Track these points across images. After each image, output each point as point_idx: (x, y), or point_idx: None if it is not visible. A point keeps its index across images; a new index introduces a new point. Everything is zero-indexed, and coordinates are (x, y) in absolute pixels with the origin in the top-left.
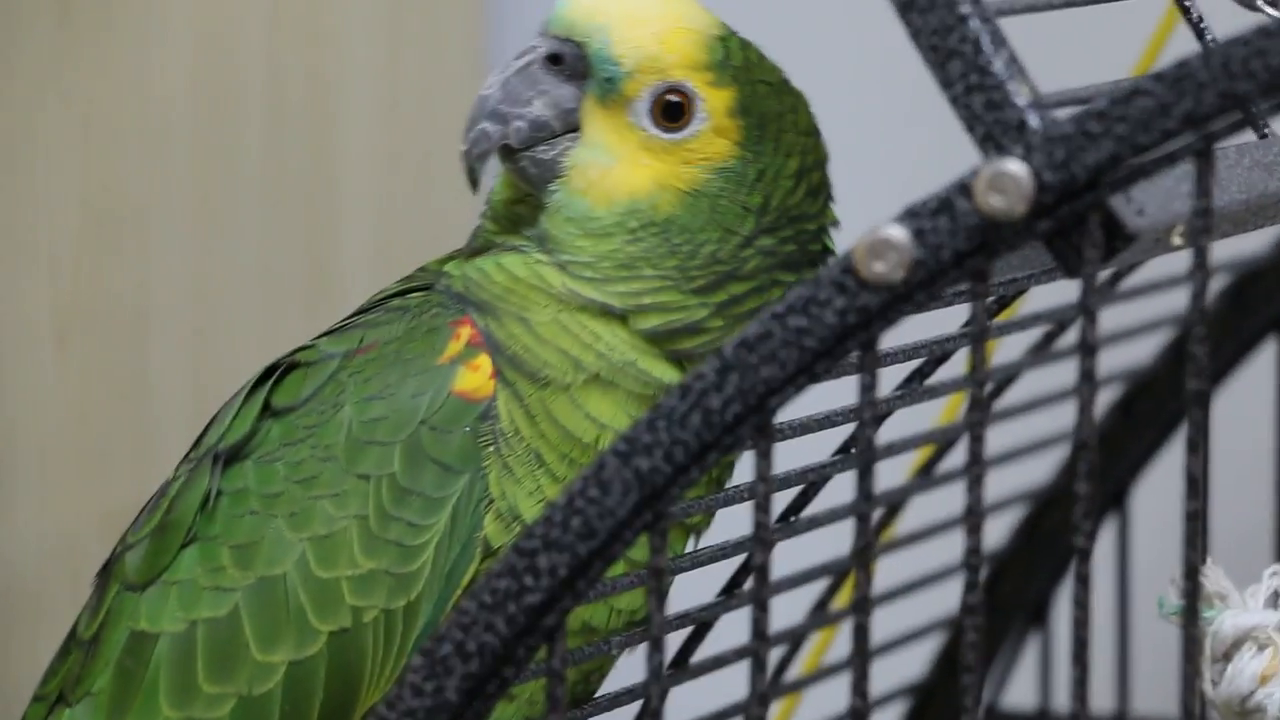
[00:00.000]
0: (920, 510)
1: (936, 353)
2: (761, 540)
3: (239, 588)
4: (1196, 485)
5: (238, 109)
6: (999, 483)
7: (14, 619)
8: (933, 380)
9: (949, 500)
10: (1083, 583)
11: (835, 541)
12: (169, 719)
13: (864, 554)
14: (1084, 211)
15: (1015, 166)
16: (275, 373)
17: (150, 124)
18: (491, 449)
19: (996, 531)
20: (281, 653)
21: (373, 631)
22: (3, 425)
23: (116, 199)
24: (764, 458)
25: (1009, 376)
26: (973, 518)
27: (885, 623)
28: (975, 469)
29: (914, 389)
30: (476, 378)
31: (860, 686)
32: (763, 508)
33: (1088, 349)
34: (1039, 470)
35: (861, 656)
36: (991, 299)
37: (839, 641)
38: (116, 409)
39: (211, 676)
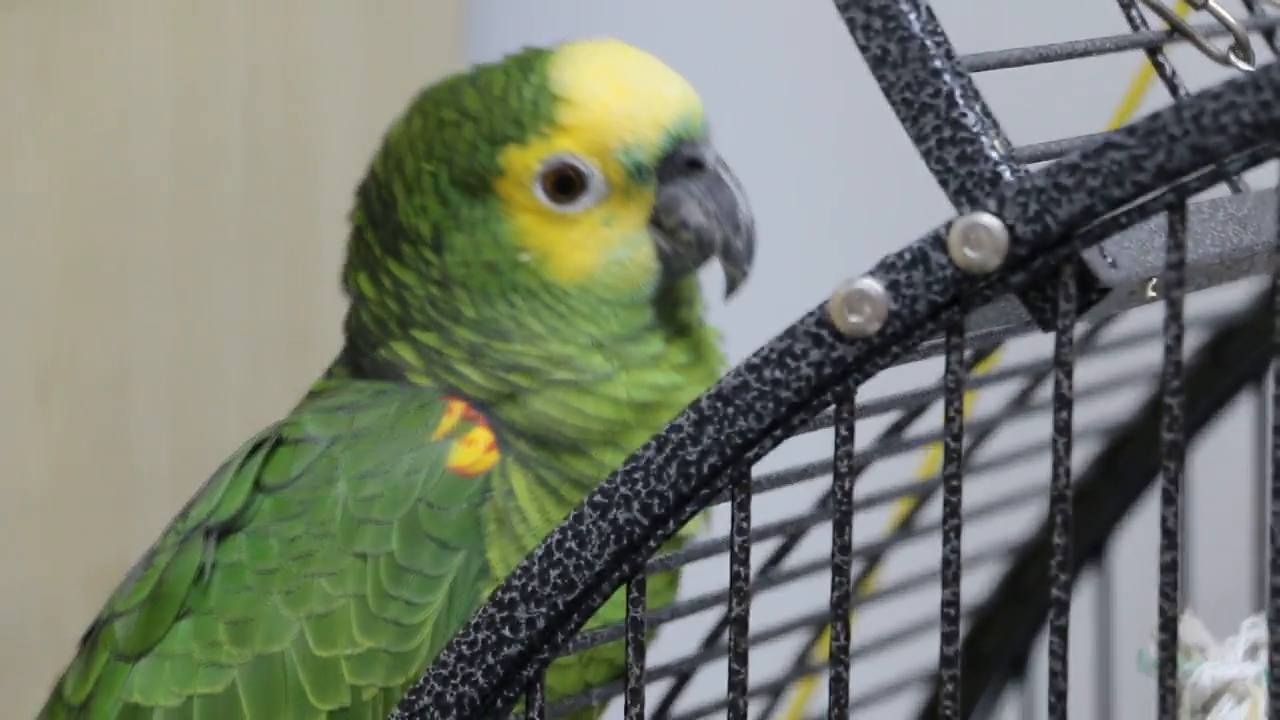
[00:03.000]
0: (905, 560)
1: (914, 405)
2: (740, 592)
3: (236, 664)
4: (1173, 536)
5: (217, 166)
6: (982, 534)
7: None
8: (911, 432)
9: (933, 551)
10: (1060, 635)
11: (818, 591)
12: None
13: (841, 606)
14: (1058, 264)
15: (989, 220)
16: (262, 446)
17: (130, 181)
18: (494, 525)
19: (979, 584)
20: None
21: (372, 710)
22: None
23: (97, 256)
24: (741, 510)
25: (986, 430)
26: (950, 568)
27: (867, 674)
28: (952, 521)
29: (892, 441)
30: (472, 452)
31: None
32: (741, 560)
33: (1063, 401)
34: (1022, 523)
35: (840, 709)
36: (969, 351)
37: (820, 692)
38: (98, 466)
39: None
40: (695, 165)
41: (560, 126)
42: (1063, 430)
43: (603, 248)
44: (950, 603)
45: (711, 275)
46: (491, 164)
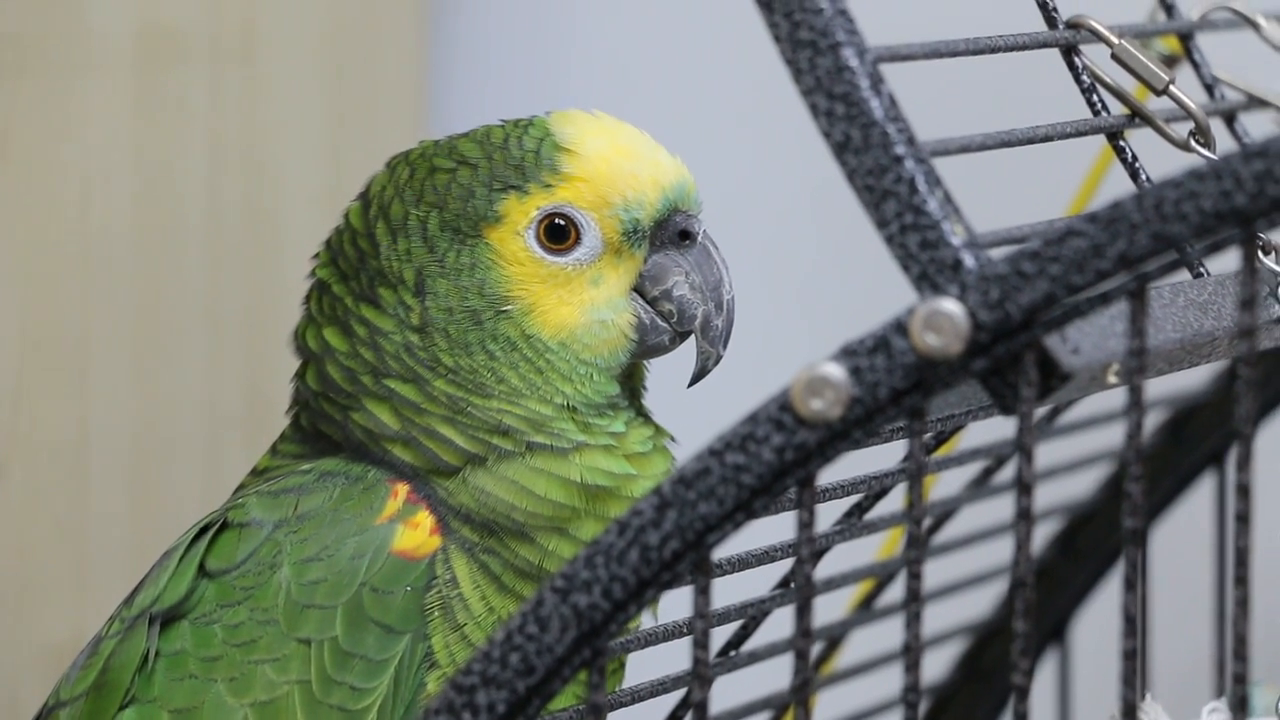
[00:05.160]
0: (863, 642)
1: (875, 488)
2: (700, 676)
3: None
4: (1133, 623)
5: (178, 243)
6: (941, 615)
7: None
8: (871, 515)
9: (891, 632)
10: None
11: (776, 674)
12: None
13: (802, 690)
14: (1019, 350)
15: (951, 306)
16: (207, 531)
17: (91, 258)
18: (438, 612)
19: (939, 663)
20: None
21: None
22: None
23: (57, 332)
24: (702, 594)
25: (947, 512)
26: (911, 654)
27: None
28: (913, 606)
29: (852, 524)
30: (416, 535)
31: None
32: (701, 644)
33: (1024, 487)
34: (981, 603)
35: None
36: (930, 434)
37: None
38: (56, 542)
39: None
40: (686, 236)
41: (563, 176)
42: (1024, 515)
43: (588, 306)
44: (911, 688)
45: (666, 366)
46: (488, 210)
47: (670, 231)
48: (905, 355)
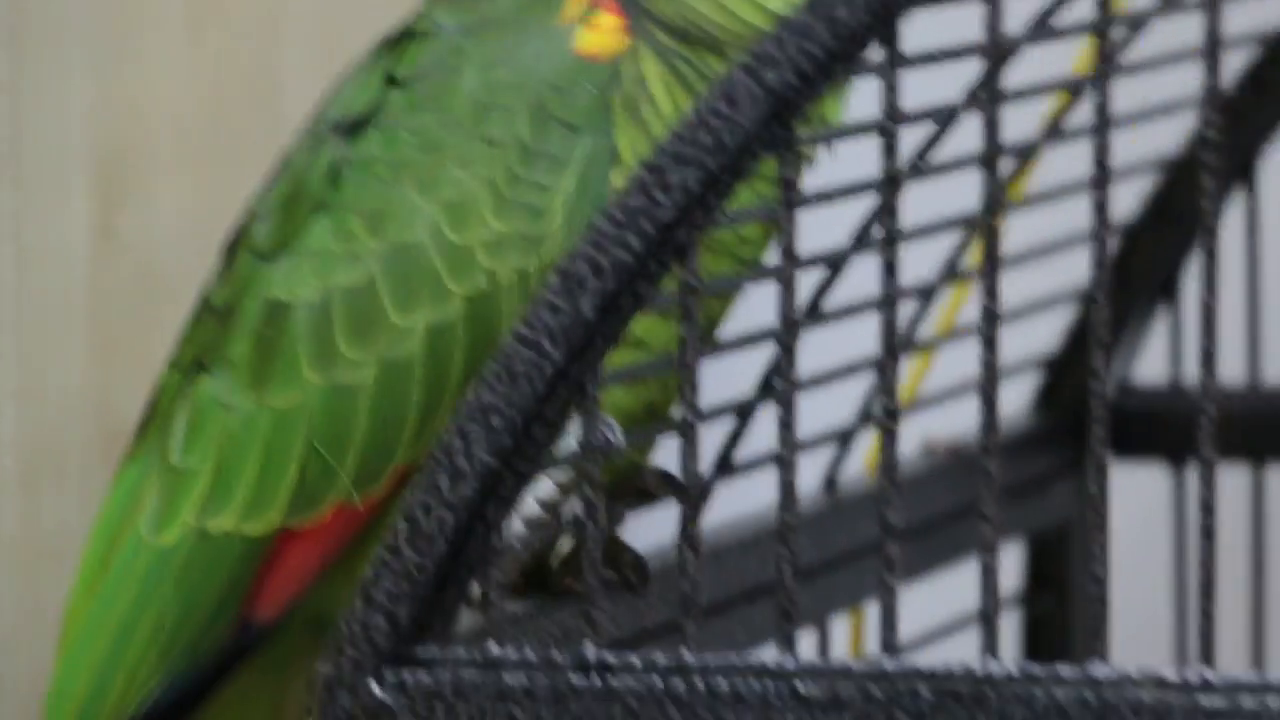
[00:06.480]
0: (1054, 168)
1: None
2: (890, 176)
3: (373, 255)
4: None
5: None
6: (1129, 148)
7: (156, 298)
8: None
9: (1083, 156)
10: (1210, 255)
11: (966, 191)
12: (310, 383)
13: (993, 203)
14: None
15: None
16: (393, 42)
17: None
18: (624, 110)
19: (1126, 202)
20: (419, 316)
21: (508, 293)
22: (138, 113)
23: None
24: (891, 71)
25: (1136, 24)
26: (1101, 175)
27: (1013, 293)
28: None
29: (1040, 31)
30: (598, 37)
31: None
32: (890, 134)
33: None
34: (1171, 135)
35: (990, 323)
36: None
37: (968, 311)
38: (249, 106)
39: (351, 341)
40: None
41: None
42: None
43: None
44: (1100, 207)
45: None
46: None
47: None
48: None
